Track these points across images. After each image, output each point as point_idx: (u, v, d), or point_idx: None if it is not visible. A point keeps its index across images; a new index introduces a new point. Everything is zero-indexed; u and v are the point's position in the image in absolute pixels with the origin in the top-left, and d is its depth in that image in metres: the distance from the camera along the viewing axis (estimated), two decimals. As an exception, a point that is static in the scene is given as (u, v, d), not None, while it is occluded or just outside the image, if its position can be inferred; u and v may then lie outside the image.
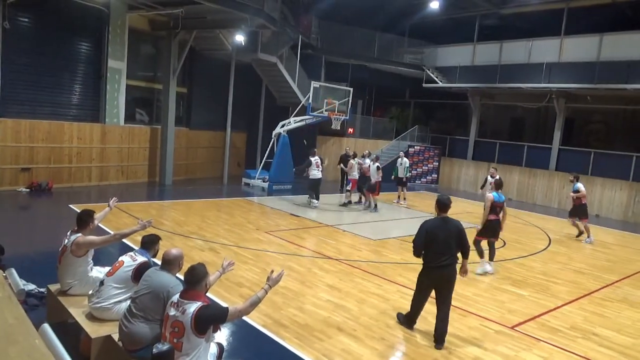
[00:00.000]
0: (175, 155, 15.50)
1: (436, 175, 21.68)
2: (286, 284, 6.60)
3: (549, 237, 11.89)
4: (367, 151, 14.57)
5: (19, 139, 11.90)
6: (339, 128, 16.57)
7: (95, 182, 13.73)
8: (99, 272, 4.78)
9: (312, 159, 13.14)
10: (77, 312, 4.32)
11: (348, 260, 8.29)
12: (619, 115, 19.68)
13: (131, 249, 4.92)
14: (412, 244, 5.26)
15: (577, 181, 11.69)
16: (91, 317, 4.23)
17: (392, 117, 23.24)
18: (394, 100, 24.26)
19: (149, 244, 4.44)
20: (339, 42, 20.38)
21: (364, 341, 5.16)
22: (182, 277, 3.70)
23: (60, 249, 4.70)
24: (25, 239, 8.26)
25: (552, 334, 5.79)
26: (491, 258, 8.25)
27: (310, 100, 15.23)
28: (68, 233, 4.73)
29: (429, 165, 21.61)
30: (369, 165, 13.14)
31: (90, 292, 4.39)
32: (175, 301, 3.47)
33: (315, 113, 15.39)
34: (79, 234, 4.65)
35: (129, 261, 4.30)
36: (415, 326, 5.54)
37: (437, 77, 20.70)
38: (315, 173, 13.08)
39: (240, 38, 14.99)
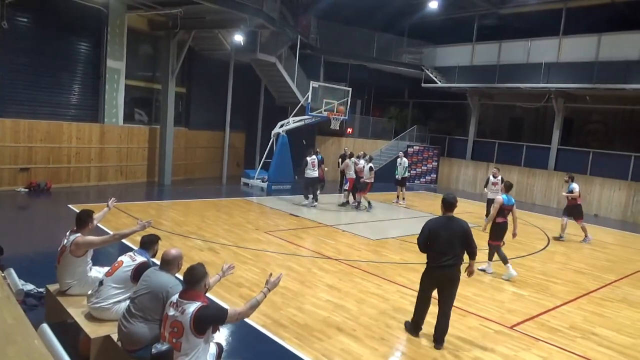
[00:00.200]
0: (174, 155, 15.50)
1: (435, 175, 21.69)
2: (286, 284, 6.59)
3: (548, 237, 11.90)
4: (362, 152, 14.60)
5: (17, 139, 11.89)
6: (337, 128, 16.57)
7: (94, 182, 13.71)
8: (98, 272, 4.77)
9: (308, 158, 13.16)
10: (76, 312, 4.31)
11: (347, 260, 8.28)
12: (618, 115, 19.71)
13: (130, 249, 4.92)
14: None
15: (572, 181, 11.60)
16: (90, 317, 4.22)
17: (391, 117, 23.25)
18: (393, 100, 24.27)
19: (148, 244, 4.44)
20: (338, 42, 20.38)
21: (363, 341, 5.16)
22: (181, 277, 3.70)
23: (59, 249, 4.69)
24: (24, 239, 8.24)
25: (552, 334, 5.80)
26: (490, 258, 8.25)
27: (309, 100, 15.23)
28: (67, 233, 4.72)
29: (428, 165, 21.62)
30: (363, 166, 13.18)
31: (89, 292, 4.38)
32: (175, 301, 3.47)
33: (314, 113, 15.40)
34: (78, 234, 4.64)
35: (128, 261, 4.29)
36: (415, 326, 5.53)
37: (436, 77, 20.72)
38: (310, 172, 13.09)
39: (239, 38, 14.98)
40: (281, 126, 15.84)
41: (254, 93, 18.95)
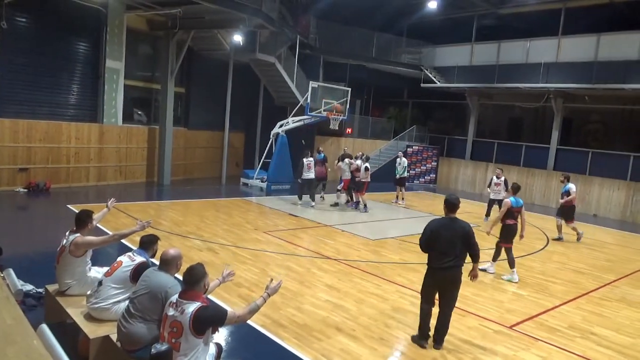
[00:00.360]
0: (174, 155, 15.49)
1: (434, 175, 21.70)
2: (285, 284, 6.58)
3: (547, 237, 11.90)
4: (360, 153, 14.59)
5: (16, 139, 11.87)
6: (337, 128, 16.56)
7: (93, 182, 13.70)
8: (97, 272, 4.77)
9: (304, 159, 13.18)
10: (76, 312, 4.31)
11: (347, 260, 8.28)
12: (617, 115, 19.72)
13: (130, 249, 4.91)
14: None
15: (568, 182, 11.50)
16: (89, 317, 4.21)
17: (390, 117, 23.25)
18: (392, 100, 24.27)
19: (148, 244, 4.44)
20: (337, 42, 20.37)
21: (362, 341, 5.16)
22: (180, 278, 3.69)
23: (58, 249, 4.69)
24: (23, 239, 8.23)
25: (551, 334, 5.80)
26: (494, 259, 8.25)
27: (308, 100, 15.23)
28: (66, 233, 4.72)
29: (427, 165, 21.63)
30: (358, 165, 13.17)
31: (88, 292, 4.38)
32: (174, 301, 3.47)
33: (313, 113, 15.39)
34: (78, 234, 4.64)
35: (127, 261, 4.29)
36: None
37: (435, 77, 20.72)
38: (306, 174, 13.12)
39: (238, 38, 14.98)
40: (280, 126, 15.84)
41: (253, 93, 18.95)
